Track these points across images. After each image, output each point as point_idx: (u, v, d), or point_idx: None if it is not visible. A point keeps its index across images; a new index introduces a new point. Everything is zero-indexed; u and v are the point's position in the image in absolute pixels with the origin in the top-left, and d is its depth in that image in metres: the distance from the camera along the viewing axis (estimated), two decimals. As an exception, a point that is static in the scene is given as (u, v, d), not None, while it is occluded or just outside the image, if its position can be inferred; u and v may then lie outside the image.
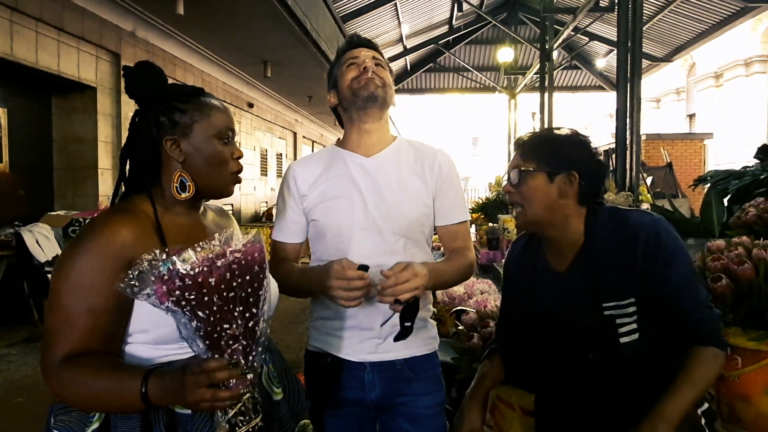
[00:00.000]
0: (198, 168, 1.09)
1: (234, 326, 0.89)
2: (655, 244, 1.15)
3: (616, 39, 5.17)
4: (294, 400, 1.21)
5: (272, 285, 1.17)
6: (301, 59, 8.36)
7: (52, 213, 5.42)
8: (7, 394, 3.59)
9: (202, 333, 0.88)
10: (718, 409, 1.44)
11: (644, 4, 5.27)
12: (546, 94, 10.08)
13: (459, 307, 2.49)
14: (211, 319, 0.87)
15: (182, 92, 1.10)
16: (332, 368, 1.38)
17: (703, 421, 1.20)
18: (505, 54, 12.92)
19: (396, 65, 14.89)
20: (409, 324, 1.22)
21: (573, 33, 11.01)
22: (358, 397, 1.39)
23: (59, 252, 4.79)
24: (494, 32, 15.00)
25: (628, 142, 4.78)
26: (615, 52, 5.78)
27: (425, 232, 1.45)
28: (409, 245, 1.38)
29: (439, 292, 2.74)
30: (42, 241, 4.76)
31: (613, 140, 5.07)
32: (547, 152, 1.23)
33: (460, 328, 2.18)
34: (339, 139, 1.53)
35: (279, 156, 13.38)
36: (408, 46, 14.10)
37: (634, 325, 1.15)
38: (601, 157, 1.31)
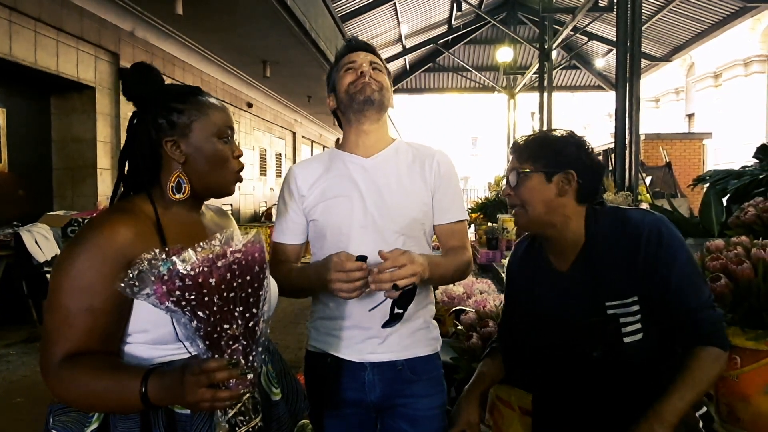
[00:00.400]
0: (199, 168, 1.09)
1: (234, 326, 0.89)
2: (657, 243, 1.14)
3: (615, 39, 5.17)
4: (293, 401, 1.21)
5: (272, 285, 1.17)
6: (300, 59, 8.36)
7: (51, 213, 5.42)
8: (6, 395, 3.59)
9: (202, 333, 0.88)
10: (717, 409, 1.44)
11: (643, 4, 5.28)
12: (545, 94, 10.09)
13: (458, 307, 2.49)
14: (211, 319, 0.87)
15: (179, 92, 1.10)
16: (332, 368, 1.38)
17: (701, 424, 1.20)
18: (504, 54, 12.93)
19: (395, 65, 14.90)
20: (401, 311, 1.21)
21: (572, 33, 11.01)
22: (359, 397, 1.39)
23: (58, 252, 4.78)
24: (493, 32, 15.00)
25: (627, 141, 4.79)
26: (614, 51, 5.78)
27: (425, 230, 1.45)
28: (408, 244, 1.38)
29: (438, 292, 2.74)
30: (41, 241, 4.75)
31: (612, 140, 5.08)
32: (544, 153, 1.23)
33: (459, 327, 2.18)
34: (338, 139, 1.54)
35: (278, 156, 13.38)
36: (407, 46, 14.11)
37: (639, 325, 1.15)
38: (599, 156, 1.31)
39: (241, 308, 0.89)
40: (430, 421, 1.41)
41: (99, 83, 6.18)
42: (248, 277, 0.90)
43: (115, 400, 0.92)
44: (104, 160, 6.31)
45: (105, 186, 6.29)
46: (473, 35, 15.11)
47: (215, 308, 0.87)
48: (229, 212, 1.43)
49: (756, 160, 2.90)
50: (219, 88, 9.10)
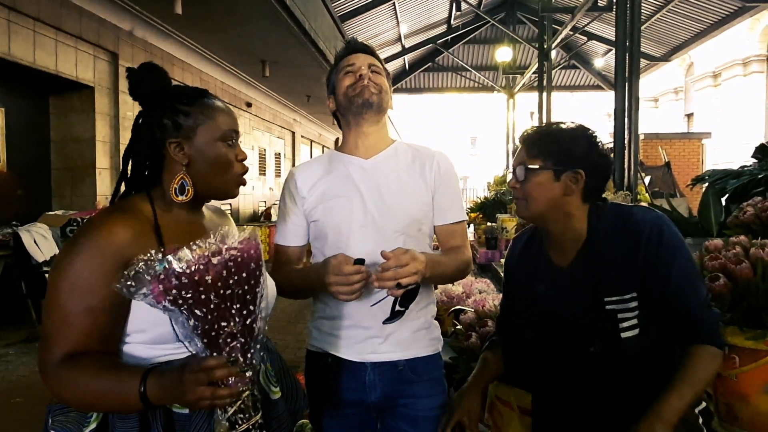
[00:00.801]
0: (202, 171, 1.09)
1: (232, 324, 0.89)
2: (658, 241, 1.15)
3: (614, 38, 5.17)
4: (292, 400, 1.21)
5: (269, 283, 1.17)
6: (299, 59, 8.36)
7: (50, 213, 5.41)
8: (5, 395, 3.59)
9: (199, 331, 0.88)
10: (716, 408, 1.44)
11: (642, 4, 5.28)
12: (544, 94, 10.09)
13: (457, 307, 2.49)
14: (209, 317, 0.87)
15: (186, 94, 1.10)
16: (333, 368, 1.38)
17: (700, 420, 1.21)
18: (503, 53, 12.93)
19: (394, 65, 14.90)
20: (403, 308, 1.22)
21: (571, 32, 11.01)
22: (359, 397, 1.39)
23: (57, 252, 4.78)
24: (493, 32, 15.00)
25: (626, 141, 4.79)
26: (613, 51, 5.78)
27: (424, 230, 1.45)
28: (408, 243, 1.38)
29: (437, 292, 2.74)
30: (40, 241, 4.75)
31: (612, 140, 5.08)
32: (554, 149, 1.22)
33: (459, 327, 2.18)
34: (337, 139, 1.55)
35: (277, 156, 13.37)
36: (406, 46, 14.10)
37: (635, 321, 1.15)
38: (608, 153, 1.29)
39: (238, 305, 0.89)
40: (431, 421, 1.40)
41: (98, 83, 6.17)
42: (244, 274, 0.89)
43: (113, 400, 0.92)
44: (103, 160, 6.30)
45: (104, 186, 6.28)
46: (472, 35, 15.11)
47: (212, 306, 0.86)
48: (228, 212, 1.43)
49: (755, 160, 2.90)
50: (218, 88, 9.10)
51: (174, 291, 0.84)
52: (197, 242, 0.89)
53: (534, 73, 11.51)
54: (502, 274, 1.54)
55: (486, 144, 34.87)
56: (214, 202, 1.23)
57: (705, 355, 1.11)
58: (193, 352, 0.91)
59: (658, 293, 1.15)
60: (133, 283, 0.84)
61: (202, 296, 0.86)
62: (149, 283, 0.84)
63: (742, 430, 1.37)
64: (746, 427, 1.36)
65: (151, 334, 0.99)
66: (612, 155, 5.33)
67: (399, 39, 13.65)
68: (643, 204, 4.57)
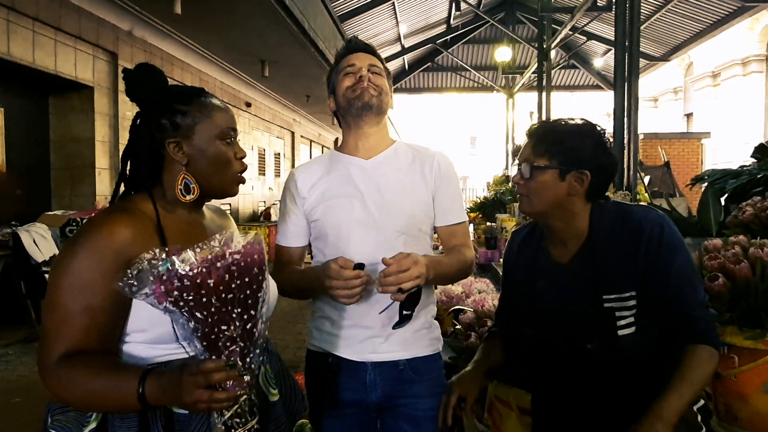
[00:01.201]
0: (201, 169, 1.09)
1: (232, 328, 0.88)
2: (659, 240, 1.15)
3: (613, 38, 5.17)
4: (291, 402, 1.21)
5: (271, 287, 1.17)
6: (298, 59, 8.36)
7: (50, 213, 5.41)
8: (5, 395, 3.59)
9: (199, 334, 0.88)
10: (715, 408, 1.44)
11: (642, 4, 5.28)
12: (544, 94, 10.08)
13: (457, 307, 2.49)
14: (209, 320, 0.87)
15: (183, 93, 1.10)
16: (333, 368, 1.39)
17: (699, 417, 1.21)
18: (503, 53, 12.93)
19: (394, 64, 14.89)
20: (409, 312, 1.23)
21: (571, 32, 11.01)
22: (359, 397, 1.39)
23: (56, 252, 4.78)
24: (492, 31, 15.00)
25: (625, 141, 4.79)
26: (613, 51, 5.78)
27: (425, 230, 1.45)
28: (409, 242, 1.39)
29: (437, 292, 2.74)
30: (39, 241, 4.75)
31: (611, 140, 5.06)
32: (561, 148, 1.21)
33: (458, 327, 2.18)
34: (337, 139, 1.55)
35: (277, 155, 13.36)
36: (406, 46, 14.10)
37: (632, 319, 1.16)
38: (614, 152, 1.28)
39: (239, 310, 0.89)
40: (432, 421, 1.40)
41: (97, 83, 6.17)
42: (247, 279, 0.89)
43: (112, 400, 0.92)
44: (102, 160, 6.30)
45: (103, 186, 6.28)
46: (472, 35, 15.11)
47: (213, 309, 0.86)
48: (228, 212, 1.43)
49: (754, 160, 2.90)
50: (218, 88, 9.09)
51: (176, 292, 0.84)
52: (201, 244, 0.89)
53: (533, 72, 11.51)
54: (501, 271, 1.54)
55: (485, 144, 34.87)
56: (214, 202, 1.23)
57: (702, 355, 1.12)
58: (193, 354, 0.91)
59: (657, 292, 1.15)
60: (136, 283, 0.84)
61: (204, 299, 0.86)
62: (151, 284, 0.84)
63: (741, 429, 1.37)
64: (745, 427, 1.36)
65: (152, 333, 0.99)
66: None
67: (398, 39, 13.64)
68: (643, 204, 4.57)
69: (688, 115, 17.02)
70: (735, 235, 1.62)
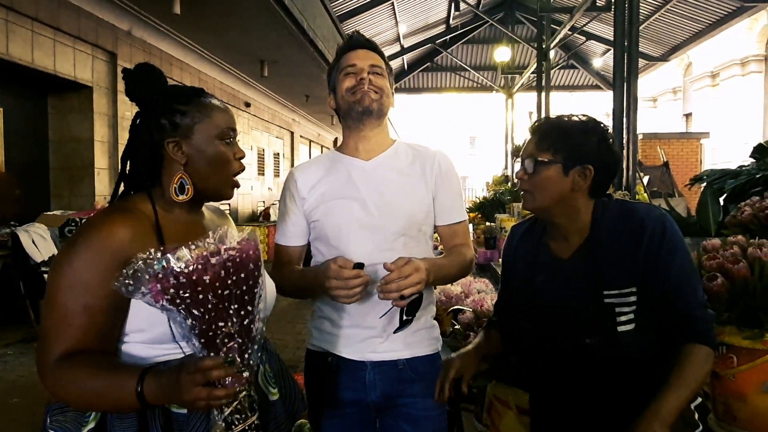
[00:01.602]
0: (200, 169, 1.09)
1: (229, 324, 0.89)
2: (660, 239, 1.15)
3: (612, 38, 5.17)
4: (290, 401, 1.21)
5: (268, 283, 1.17)
6: (298, 59, 8.36)
7: (49, 213, 5.41)
8: (3, 395, 3.58)
9: (197, 331, 0.88)
10: (714, 408, 1.44)
11: (641, 4, 5.28)
12: (543, 94, 10.07)
13: (456, 307, 2.49)
14: (206, 317, 0.87)
15: (182, 93, 1.10)
16: (333, 367, 1.39)
17: (696, 415, 1.21)
18: (502, 53, 12.93)
19: (393, 65, 14.84)
20: (409, 317, 1.23)
21: (570, 32, 11.01)
22: (359, 397, 1.39)
23: (55, 252, 4.78)
24: (491, 32, 15.01)
25: (624, 141, 4.78)
26: (612, 51, 5.79)
27: (425, 230, 1.45)
28: (409, 243, 1.39)
29: (436, 292, 2.74)
30: (38, 241, 4.74)
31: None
32: (564, 143, 1.21)
33: (457, 327, 2.19)
34: (336, 139, 1.55)
35: (276, 156, 13.36)
36: (405, 46, 14.10)
37: (632, 315, 1.16)
38: (617, 149, 1.27)
39: (236, 306, 0.89)
40: (431, 421, 1.41)
41: (96, 83, 6.17)
42: (243, 275, 0.89)
43: (111, 400, 0.92)
44: (102, 160, 6.30)
45: (102, 186, 6.28)
46: (471, 35, 15.11)
47: (210, 306, 0.86)
48: (227, 212, 1.43)
49: (753, 160, 2.90)
50: (217, 88, 9.09)
51: (172, 290, 0.84)
52: (196, 242, 0.89)
53: (533, 72, 11.49)
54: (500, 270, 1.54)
55: (485, 144, 34.88)
56: (213, 202, 1.24)
57: (699, 354, 1.12)
58: (191, 352, 0.91)
59: (656, 290, 1.16)
60: (132, 282, 0.84)
61: (200, 296, 0.86)
62: (147, 282, 0.84)
63: (740, 429, 1.37)
64: (744, 427, 1.36)
65: (150, 333, 0.99)
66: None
67: (398, 39, 13.65)
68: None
69: (687, 115, 17.04)
70: (733, 235, 1.62)
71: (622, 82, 4.82)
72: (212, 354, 0.89)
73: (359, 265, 1.22)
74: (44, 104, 6.09)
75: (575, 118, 1.25)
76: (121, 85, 6.32)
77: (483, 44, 15.67)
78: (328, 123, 16.30)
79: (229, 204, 9.83)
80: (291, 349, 4.49)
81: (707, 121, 14.98)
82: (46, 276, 4.52)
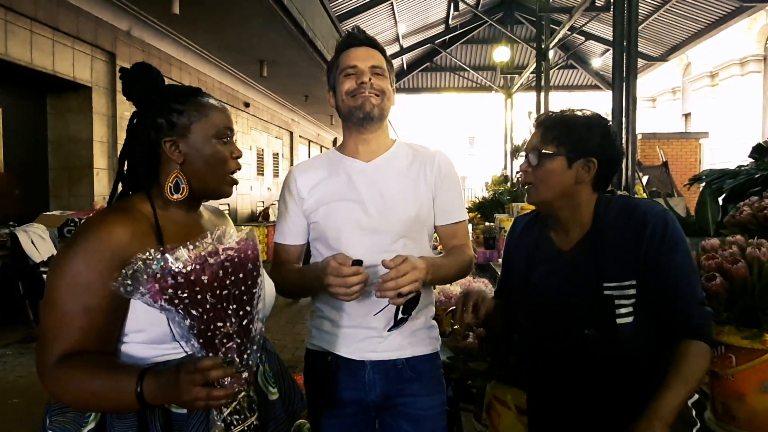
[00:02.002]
0: (197, 168, 1.09)
1: (228, 324, 0.88)
2: (661, 235, 1.16)
3: (611, 38, 5.18)
4: (290, 401, 1.21)
5: (267, 284, 1.17)
6: (297, 59, 8.36)
7: (48, 213, 5.41)
8: (3, 395, 3.58)
9: (195, 331, 0.88)
10: (712, 407, 1.44)
11: (640, 4, 5.29)
12: (542, 94, 10.08)
13: (455, 307, 2.49)
14: (205, 317, 0.87)
15: (179, 93, 1.10)
16: (332, 367, 1.39)
17: (693, 412, 1.22)
18: (501, 53, 12.93)
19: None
20: (405, 316, 1.23)
21: (569, 32, 11.02)
22: (358, 396, 1.39)
23: (54, 252, 4.78)
24: (490, 32, 15.01)
25: (623, 141, 4.79)
26: (611, 51, 5.79)
27: (425, 232, 1.45)
28: (408, 245, 1.39)
29: (435, 292, 2.74)
30: (37, 242, 4.74)
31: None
32: (569, 136, 1.22)
33: (456, 327, 2.18)
34: (336, 139, 1.55)
35: (275, 156, 13.36)
36: (404, 46, 14.10)
37: (631, 308, 1.16)
38: (620, 144, 1.29)
39: (234, 306, 0.89)
40: (431, 420, 1.41)
41: (95, 83, 6.16)
42: (241, 275, 0.89)
43: (111, 400, 0.92)
44: (101, 160, 6.29)
45: (101, 186, 6.28)
46: (470, 35, 15.11)
47: (208, 306, 0.86)
48: (226, 212, 1.43)
49: (752, 160, 2.91)
50: (216, 88, 9.09)
51: (170, 290, 0.84)
52: (194, 242, 0.89)
53: (532, 72, 11.50)
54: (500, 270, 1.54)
55: (484, 144, 34.85)
56: (212, 202, 1.23)
57: (697, 352, 1.12)
58: (190, 353, 0.91)
59: (655, 286, 1.16)
60: (130, 282, 0.84)
61: (198, 296, 0.85)
62: (146, 282, 0.84)
63: (739, 429, 1.37)
64: (743, 426, 1.36)
65: (150, 333, 0.99)
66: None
67: (397, 39, 13.64)
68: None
69: (686, 115, 17.04)
70: (732, 234, 1.62)
71: (621, 82, 4.82)
72: (211, 354, 0.89)
73: (358, 262, 1.22)
74: (43, 104, 6.09)
75: (579, 113, 1.27)
76: (120, 85, 6.31)
77: (482, 44, 15.67)
78: (328, 123, 16.29)
79: (228, 204, 9.83)
80: (290, 350, 4.49)
81: (706, 121, 14.99)
82: (45, 276, 4.52)
